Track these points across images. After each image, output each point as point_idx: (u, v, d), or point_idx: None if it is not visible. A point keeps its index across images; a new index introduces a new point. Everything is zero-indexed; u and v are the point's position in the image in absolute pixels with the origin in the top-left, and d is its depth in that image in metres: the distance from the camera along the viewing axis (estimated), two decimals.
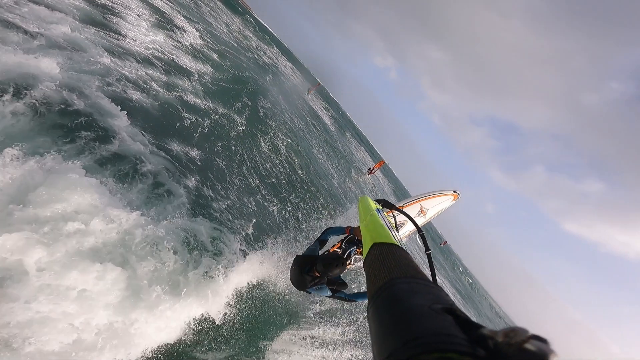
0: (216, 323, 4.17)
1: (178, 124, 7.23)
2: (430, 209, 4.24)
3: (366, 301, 0.91)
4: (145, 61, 8.32)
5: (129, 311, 3.13)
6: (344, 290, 3.19)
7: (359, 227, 2.97)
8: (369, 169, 28.58)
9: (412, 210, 4.21)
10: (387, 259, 0.98)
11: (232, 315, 4.49)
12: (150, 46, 9.24)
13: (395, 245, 1.11)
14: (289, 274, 3.19)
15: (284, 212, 8.53)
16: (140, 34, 9.42)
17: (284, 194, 9.42)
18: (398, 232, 3.09)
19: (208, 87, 10.31)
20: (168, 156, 6.03)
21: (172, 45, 10.76)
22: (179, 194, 5.42)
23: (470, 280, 48.52)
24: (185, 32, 12.72)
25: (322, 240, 3.32)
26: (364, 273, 1.06)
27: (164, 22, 11.73)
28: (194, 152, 6.94)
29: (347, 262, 3.34)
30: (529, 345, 0.42)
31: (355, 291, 4.21)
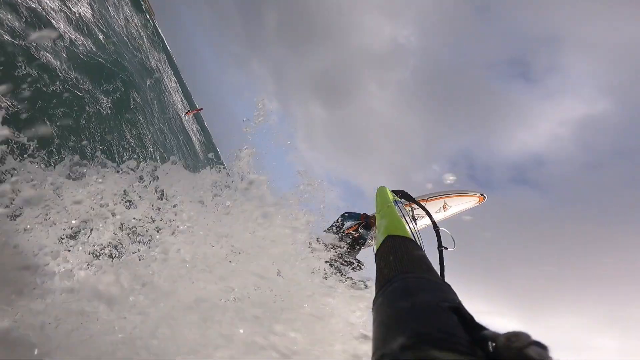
0: None
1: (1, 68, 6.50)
2: (453, 206, 4.25)
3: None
4: (7, 4, 7.68)
5: None
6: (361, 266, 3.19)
7: (374, 216, 2.89)
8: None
9: (435, 205, 4.15)
10: (399, 252, 0.98)
11: None
12: None
13: (409, 239, 1.11)
14: None
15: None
16: None
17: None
18: (416, 224, 3.08)
19: (77, 56, 9.72)
20: None
21: (57, 7, 10.07)
22: None
23: None
24: (79, 3, 11.99)
25: (338, 226, 3.35)
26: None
27: None
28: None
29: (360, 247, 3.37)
30: (529, 351, 0.42)
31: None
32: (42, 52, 8.13)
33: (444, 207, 4.17)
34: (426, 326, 0.56)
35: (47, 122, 7.03)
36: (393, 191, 2.30)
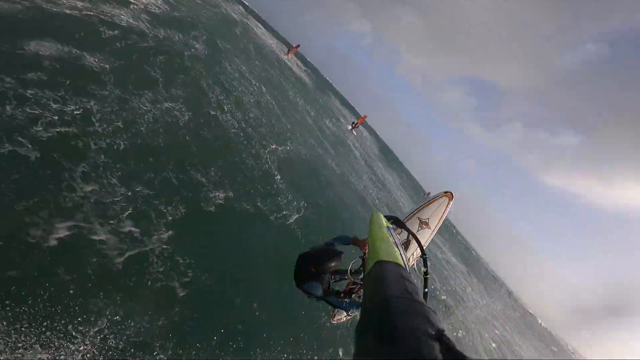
0: None
1: (83, 32, 6.75)
2: (430, 218, 4.11)
3: (357, 313, 0.92)
4: None
5: None
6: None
7: (364, 240, 2.93)
8: (353, 123, 28.31)
9: (411, 225, 4.04)
10: (388, 277, 1.00)
11: None
12: None
13: (399, 265, 1.12)
14: None
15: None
16: None
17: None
18: (406, 250, 3.36)
19: (156, 15, 9.84)
20: None
21: None
22: None
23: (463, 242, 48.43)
24: None
25: (328, 244, 3.18)
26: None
27: None
28: (94, 58, 6.32)
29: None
30: None
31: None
32: (117, 18, 8.27)
33: (422, 223, 4.09)
34: (409, 353, 0.58)
35: (148, 70, 7.25)
36: (386, 217, 2.42)
